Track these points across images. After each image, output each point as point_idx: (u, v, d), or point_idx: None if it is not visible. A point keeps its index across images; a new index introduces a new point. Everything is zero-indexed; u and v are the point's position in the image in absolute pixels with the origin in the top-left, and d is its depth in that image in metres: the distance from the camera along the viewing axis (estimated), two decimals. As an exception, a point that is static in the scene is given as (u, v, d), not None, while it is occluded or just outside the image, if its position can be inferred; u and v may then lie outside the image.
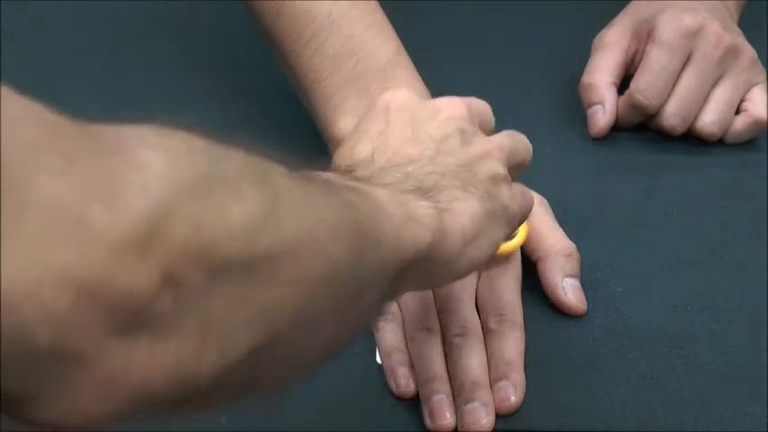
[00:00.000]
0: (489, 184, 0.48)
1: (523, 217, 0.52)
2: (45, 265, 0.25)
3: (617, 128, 0.74)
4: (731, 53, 0.72)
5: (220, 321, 0.29)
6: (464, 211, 0.46)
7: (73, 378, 0.27)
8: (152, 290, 0.27)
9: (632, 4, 0.78)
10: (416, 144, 0.48)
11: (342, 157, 0.48)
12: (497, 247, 0.49)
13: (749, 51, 0.73)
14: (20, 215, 0.25)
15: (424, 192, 0.45)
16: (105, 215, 0.26)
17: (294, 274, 0.32)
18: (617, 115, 0.73)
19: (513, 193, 0.49)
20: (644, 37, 0.73)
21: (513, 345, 0.56)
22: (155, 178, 0.28)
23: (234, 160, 0.32)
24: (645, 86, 0.71)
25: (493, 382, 0.54)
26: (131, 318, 0.27)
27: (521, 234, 0.59)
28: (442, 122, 0.49)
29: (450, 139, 0.49)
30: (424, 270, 0.44)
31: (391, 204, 0.42)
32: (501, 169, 0.49)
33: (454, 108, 0.51)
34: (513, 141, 0.52)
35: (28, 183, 0.25)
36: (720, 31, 0.71)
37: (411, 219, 0.43)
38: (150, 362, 0.28)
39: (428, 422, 0.53)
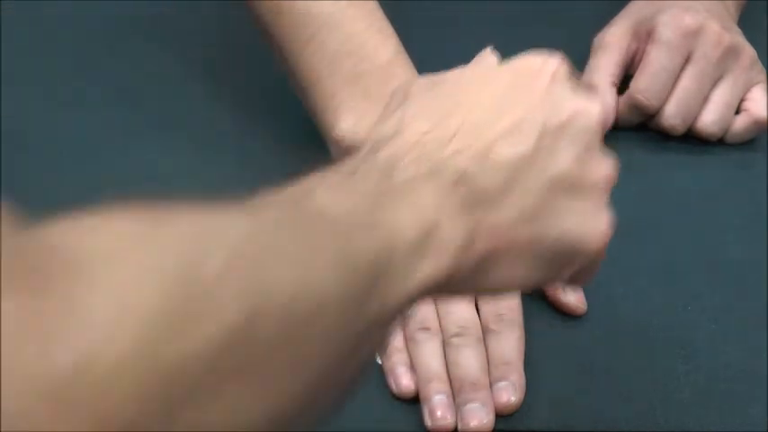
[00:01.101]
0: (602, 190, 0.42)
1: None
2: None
3: (617, 128, 0.74)
4: (731, 53, 0.72)
5: None
6: None
7: None
8: None
9: (632, 3, 0.77)
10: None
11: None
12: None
13: (749, 51, 0.73)
14: None
15: None
16: (34, 360, 0.24)
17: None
18: (617, 115, 0.73)
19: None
20: (644, 37, 0.73)
21: (512, 345, 0.56)
22: (89, 324, 0.25)
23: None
24: (645, 86, 0.71)
25: (493, 382, 0.54)
26: None
27: None
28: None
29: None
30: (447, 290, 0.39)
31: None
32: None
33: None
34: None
35: None
36: (720, 31, 0.71)
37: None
38: None
39: (428, 422, 0.53)
